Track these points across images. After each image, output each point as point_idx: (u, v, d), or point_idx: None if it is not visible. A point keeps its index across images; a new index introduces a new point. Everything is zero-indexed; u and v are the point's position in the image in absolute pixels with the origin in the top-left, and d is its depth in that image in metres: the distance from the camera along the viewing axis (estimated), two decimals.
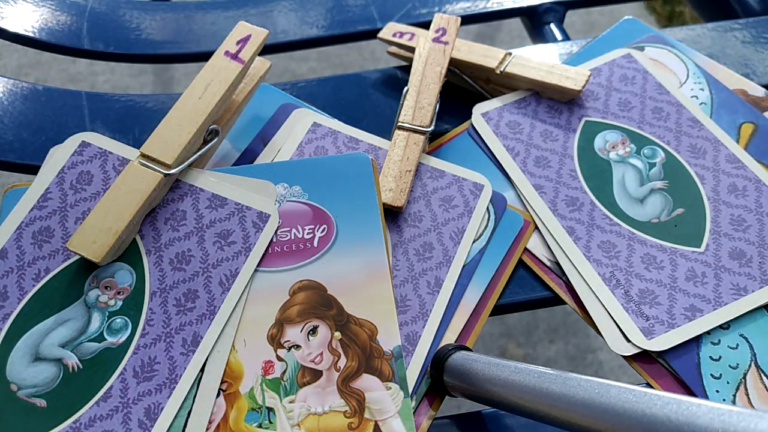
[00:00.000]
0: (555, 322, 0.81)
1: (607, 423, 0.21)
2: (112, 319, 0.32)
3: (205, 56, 0.47)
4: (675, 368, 0.33)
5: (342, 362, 0.31)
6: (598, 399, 0.22)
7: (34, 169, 0.40)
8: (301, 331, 0.32)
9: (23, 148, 0.41)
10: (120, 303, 0.32)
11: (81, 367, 0.31)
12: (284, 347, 0.32)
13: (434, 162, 0.39)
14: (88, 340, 0.31)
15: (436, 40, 0.42)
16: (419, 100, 0.39)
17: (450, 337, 0.34)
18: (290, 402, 0.30)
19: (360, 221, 0.35)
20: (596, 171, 0.39)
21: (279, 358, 0.31)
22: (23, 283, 0.32)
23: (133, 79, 1.02)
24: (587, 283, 0.35)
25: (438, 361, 0.31)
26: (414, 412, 0.31)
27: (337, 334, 0.32)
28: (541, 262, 0.37)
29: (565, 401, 0.23)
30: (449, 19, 0.42)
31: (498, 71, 0.41)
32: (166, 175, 0.33)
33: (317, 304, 0.33)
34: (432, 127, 0.39)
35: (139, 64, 0.97)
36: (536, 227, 0.38)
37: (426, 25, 0.49)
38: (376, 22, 0.51)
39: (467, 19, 0.51)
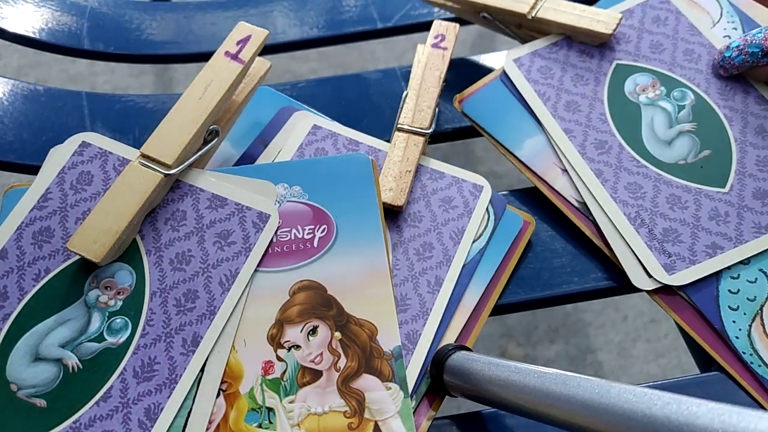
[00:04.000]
0: (555, 322, 0.81)
1: (607, 423, 0.21)
2: (112, 319, 0.32)
3: (205, 56, 0.47)
4: (694, 301, 0.34)
5: (342, 362, 0.31)
6: (598, 399, 0.22)
7: (34, 169, 0.40)
8: (301, 331, 0.32)
9: (23, 148, 0.41)
10: (120, 303, 0.32)
11: (81, 367, 0.31)
12: (284, 347, 0.32)
13: (434, 163, 0.39)
14: (88, 340, 0.31)
15: (435, 45, 0.42)
16: (419, 103, 0.39)
17: (450, 337, 0.34)
18: (290, 402, 0.30)
19: (360, 221, 0.35)
20: (626, 114, 0.40)
21: (279, 358, 0.31)
22: (23, 283, 0.32)
23: (133, 79, 1.02)
24: (613, 223, 0.36)
25: (438, 361, 0.31)
26: (414, 412, 0.31)
27: (337, 334, 0.32)
28: (569, 202, 0.38)
29: (565, 401, 0.23)
30: (448, 26, 0.43)
31: (530, 16, 0.42)
32: (166, 175, 0.33)
33: (317, 304, 0.33)
34: (431, 129, 0.39)
35: (139, 64, 0.97)
36: (564, 169, 0.39)
37: (426, 26, 0.50)
38: (376, 22, 0.51)
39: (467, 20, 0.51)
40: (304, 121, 0.40)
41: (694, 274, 0.35)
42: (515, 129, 0.40)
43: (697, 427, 0.19)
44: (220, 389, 0.30)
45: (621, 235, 0.36)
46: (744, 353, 0.33)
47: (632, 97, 0.40)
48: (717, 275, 0.35)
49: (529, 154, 0.40)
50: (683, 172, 0.38)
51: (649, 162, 0.38)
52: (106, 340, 0.31)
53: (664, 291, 0.35)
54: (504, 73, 0.42)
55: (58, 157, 0.36)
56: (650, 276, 0.35)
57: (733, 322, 0.34)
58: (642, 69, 0.41)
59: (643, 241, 0.36)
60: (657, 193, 0.37)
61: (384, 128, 0.43)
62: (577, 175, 0.38)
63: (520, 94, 0.41)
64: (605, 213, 0.37)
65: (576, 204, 0.38)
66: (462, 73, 0.47)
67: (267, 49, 0.49)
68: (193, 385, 0.30)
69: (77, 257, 0.33)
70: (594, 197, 0.37)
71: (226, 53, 0.36)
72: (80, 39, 0.48)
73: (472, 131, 0.45)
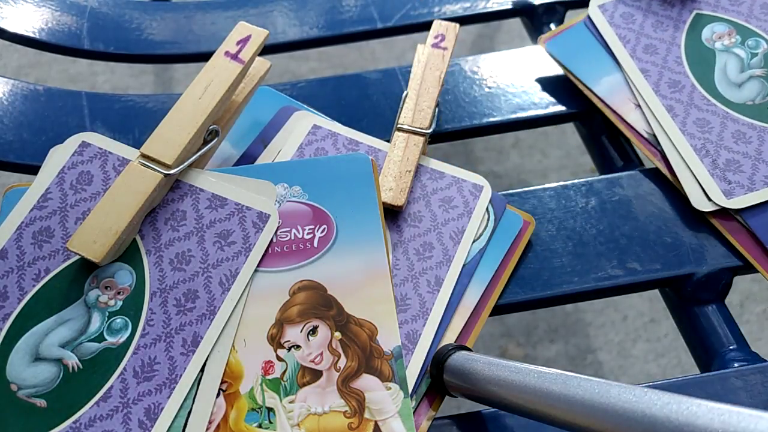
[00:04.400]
0: (555, 322, 0.81)
1: (607, 423, 0.21)
2: (112, 319, 0.32)
3: (205, 56, 0.47)
4: (749, 224, 0.38)
5: (342, 362, 0.31)
6: (598, 399, 0.22)
7: (34, 169, 0.40)
8: (301, 331, 0.32)
9: (23, 148, 0.41)
10: (120, 303, 0.32)
11: (81, 367, 0.31)
12: (284, 347, 0.32)
13: (434, 163, 0.39)
14: (88, 340, 0.31)
15: (435, 45, 0.42)
16: (419, 103, 0.39)
17: (450, 337, 0.34)
18: (290, 402, 0.30)
19: (360, 221, 0.35)
20: (700, 58, 0.44)
21: (279, 358, 0.31)
22: (23, 283, 0.32)
23: (133, 79, 1.02)
24: (679, 153, 0.40)
25: (438, 361, 0.31)
26: (414, 412, 0.31)
27: (337, 334, 0.32)
28: (639, 134, 0.42)
29: (565, 401, 0.23)
30: (448, 26, 0.43)
31: None
32: (166, 175, 0.33)
33: (317, 304, 0.33)
34: (431, 129, 0.39)
35: (139, 64, 0.97)
36: (638, 105, 0.43)
37: (426, 26, 0.49)
38: (376, 22, 0.51)
39: (467, 20, 0.51)
40: (304, 121, 0.40)
41: (751, 200, 0.38)
42: (594, 68, 0.45)
43: (697, 427, 0.19)
44: (220, 389, 0.30)
45: (686, 164, 0.40)
46: None
47: (708, 43, 0.44)
48: None
49: (605, 90, 0.44)
50: (750, 112, 0.41)
51: (719, 101, 0.42)
52: (106, 340, 0.31)
53: (722, 215, 0.39)
54: (588, 17, 0.46)
55: (58, 157, 0.36)
56: (710, 200, 0.39)
57: None
58: (720, 19, 0.45)
59: (706, 169, 0.39)
60: (723, 129, 0.41)
61: (384, 128, 0.43)
62: (650, 109, 0.42)
63: (602, 37, 0.45)
64: (673, 144, 0.40)
65: (646, 135, 0.42)
66: (462, 73, 0.47)
67: (267, 49, 0.49)
68: (193, 385, 0.30)
69: (77, 257, 0.33)
70: (664, 129, 0.41)
71: (226, 53, 0.36)
72: (80, 39, 0.48)
73: (472, 131, 0.45)
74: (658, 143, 0.41)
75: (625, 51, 0.44)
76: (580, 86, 0.44)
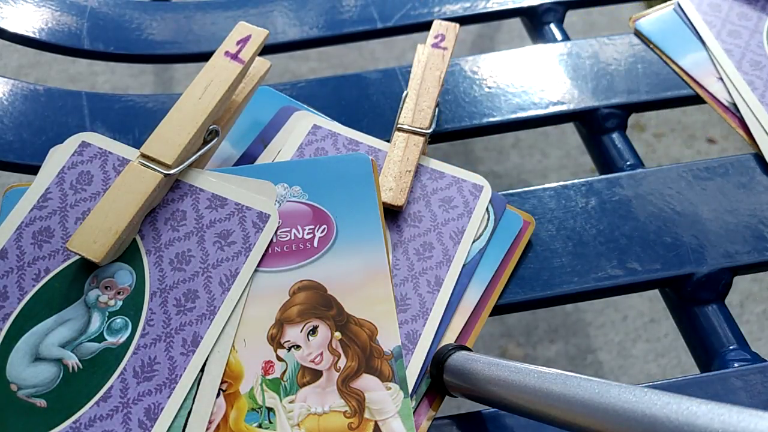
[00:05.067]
0: (555, 322, 0.81)
1: (607, 423, 0.21)
2: (112, 319, 0.32)
3: (205, 56, 0.47)
4: None
5: (342, 362, 0.31)
6: (598, 399, 0.22)
7: (34, 169, 0.40)
8: (301, 331, 0.32)
9: (23, 148, 0.41)
10: (120, 303, 0.32)
11: (81, 367, 0.31)
12: (284, 347, 0.32)
13: (434, 163, 0.39)
14: (88, 340, 0.31)
15: (435, 45, 0.42)
16: (419, 103, 0.39)
17: (450, 337, 0.34)
18: (290, 402, 0.30)
19: (360, 221, 0.35)
20: None
21: (279, 358, 0.31)
22: (23, 283, 0.32)
23: (133, 79, 1.02)
24: (758, 119, 0.45)
25: (438, 361, 0.31)
26: (414, 412, 0.31)
27: (337, 334, 0.32)
28: (720, 102, 0.47)
29: (565, 401, 0.23)
30: (448, 26, 0.43)
31: None
32: (166, 175, 0.33)
33: (317, 304, 0.33)
34: (431, 129, 0.39)
35: (139, 64, 0.97)
36: (720, 78, 0.47)
37: (426, 26, 0.50)
38: (376, 22, 0.51)
39: (467, 19, 0.51)
40: (304, 121, 0.40)
41: None
42: (680, 45, 0.50)
43: (697, 427, 0.19)
44: (220, 389, 0.30)
45: (763, 128, 0.45)
46: None
47: None
48: None
49: (690, 64, 0.49)
50: None
51: None
52: (106, 340, 0.31)
53: None
54: (678, 4, 0.52)
55: (58, 157, 0.36)
56: None
57: None
58: None
59: None
60: None
61: (384, 128, 0.43)
62: (732, 83, 0.47)
63: (690, 21, 0.50)
64: (752, 112, 0.45)
65: (726, 104, 0.47)
66: (462, 73, 0.47)
67: (267, 49, 0.49)
68: (193, 385, 0.30)
69: (77, 257, 0.33)
70: (744, 100, 0.46)
71: (226, 53, 0.36)
72: (80, 39, 0.48)
73: (472, 131, 0.45)
74: (737, 110, 0.46)
75: (711, 33, 0.50)
76: (666, 60, 0.49)
